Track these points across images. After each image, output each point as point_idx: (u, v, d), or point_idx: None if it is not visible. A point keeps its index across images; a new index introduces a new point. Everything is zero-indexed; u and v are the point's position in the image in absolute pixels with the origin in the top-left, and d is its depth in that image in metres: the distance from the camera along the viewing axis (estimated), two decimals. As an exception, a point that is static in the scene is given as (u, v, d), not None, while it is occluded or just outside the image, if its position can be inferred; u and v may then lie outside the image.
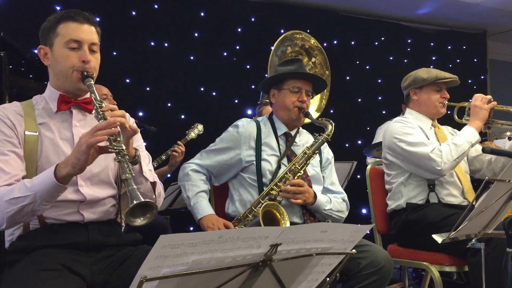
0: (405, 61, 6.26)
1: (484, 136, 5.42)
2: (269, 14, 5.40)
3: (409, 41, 6.35)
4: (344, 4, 5.73)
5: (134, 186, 1.47)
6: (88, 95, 1.83)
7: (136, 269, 1.02)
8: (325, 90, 2.89)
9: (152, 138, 3.69)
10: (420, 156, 2.62)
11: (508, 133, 3.77)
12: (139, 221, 1.45)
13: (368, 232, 1.34)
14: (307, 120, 2.49)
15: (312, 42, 2.99)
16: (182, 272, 1.05)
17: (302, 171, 2.33)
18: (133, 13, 4.72)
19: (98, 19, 1.83)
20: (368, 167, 3.05)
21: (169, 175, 3.56)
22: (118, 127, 1.58)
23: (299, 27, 3.18)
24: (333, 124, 2.40)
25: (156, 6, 4.84)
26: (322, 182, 2.51)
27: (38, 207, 1.55)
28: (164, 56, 4.82)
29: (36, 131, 1.71)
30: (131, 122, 1.90)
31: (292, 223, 2.27)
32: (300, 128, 2.59)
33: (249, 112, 5.04)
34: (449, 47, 6.65)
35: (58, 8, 4.30)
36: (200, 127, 3.57)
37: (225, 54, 5.17)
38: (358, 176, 4.89)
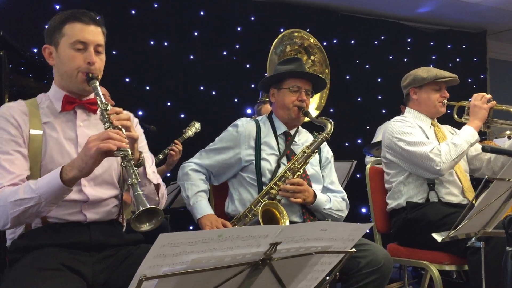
0: (405, 60, 6.26)
1: (484, 135, 5.43)
2: (269, 13, 5.40)
3: (409, 40, 6.35)
4: (344, 4, 5.73)
5: (140, 192, 1.47)
6: (92, 95, 1.82)
7: (136, 268, 1.02)
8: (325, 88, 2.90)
9: (152, 137, 3.67)
10: (419, 155, 2.62)
11: (508, 132, 3.76)
12: (145, 227, 1.45)
13: (367, 231, 1.34)
14: (306, 119, 2.49)
15: (311, 41, 2.99)
16: (182, 271, 1.05)
17: (301, 170, 2.33)
18: (133, 12, 4.72)
19: (97, 18, 1.82)
20: (368, 166, 3.05)
21: (168, 174, 3.55)
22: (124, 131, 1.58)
23: (299, 27, 3.18)
24: (333, 123, 2.40)
25: (155, 5, 4.84)
26: (322, 181, 2.51)
27: (42, 208, 1.55)
28: (164, 56, 4.82)
29: (41, 130, 1.71)
30: (135, 123, 1.91)
31: (291, 222, 2.27)
32: (300, 127, 2.59)
33: (249, 111, 5.04)
34: (449, 47, 6.65)
35: (57, 7, 4.30)
36: (197, 125, 3.56)
37: (225, 53, 5.17)
38: (358, 175, 4.89)
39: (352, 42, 5.98)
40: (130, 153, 1.54)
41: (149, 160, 1.85)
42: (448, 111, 2.93)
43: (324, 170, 2.56)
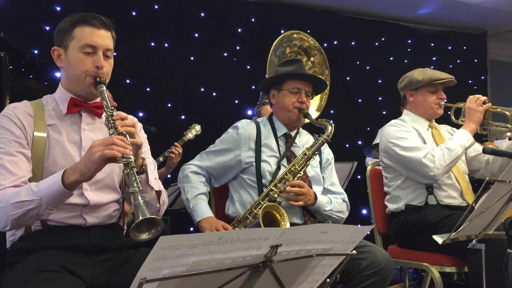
0: (406, 61, 6.26)
1: (484, 136, 5.42)
2: (269, 14, 5.40)
3: (409, 41, 6.35)
4: (344, 5, 5.73)
5: (141, 201, 1.46)
6: (98, 99, 1.82)
7: (136, 271, 1.02)
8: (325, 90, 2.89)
9: (152, 138, 3.68)
10: (413, 161, 2.62)
11: (508, 134, 3.75)
12: (144, 236, 1.44)
13: (368, 232, 1.34)
14: (307, 121, 2.49)
15: (311, 42, 2.99)
16: (182, 274, 1.05)
17: (302, 172, 2.32)
18: (133, 13, 4.72)
19: (108, 22, 1.82)
20: (368, 167, 3.05)
21: (169, 176, 3.55)
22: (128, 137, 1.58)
23: (299, 28, 3.18)
24: (333, 125, 2.39)
25: (156, 7, 4.84)
26: (322, 182, 2.51)
27: (43, 211, 1.55)
28: (164, 57, 4.82)
29: (45, 132, 1.71)
30: (139, 128, 1.91)
31: (292, 224, 2.27)
32: (300, 129, 2.58)
33: (249, 112, 5.04)
34: (449, 48, 6.65)
35: (58, 8, 4.30)
36: (197, 127, 3.55)
37: (225, 54, 5.17)
38: (359, 177, 4.89)
39: (353, 43, 5.98)
40: (133, 160, 1.53)
41: (152, 166, 1.85)
42: (448, 112, 2.92)
43: (325, 171, 2.56)
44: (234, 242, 1.07)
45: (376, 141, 4.67)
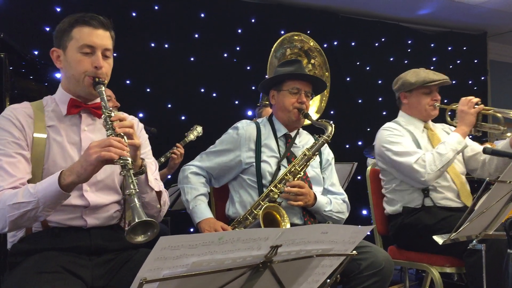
0: (406, 62, 6.26)
1: (484, 137, 5.42)
2: (269, 15, 5.40)
3: (409, 42, 6.36)
4: (344, 5, 5.74)
5: (137, 203, 1.45)
6: (98, 99, 1.82)
7: (136, 272, 1.02)
8: (325, 91, 2.89)
9: (152, 139, 3.68)
10: (405, 166, 2.62)
11: (508, 134, 3.75)
12: (140, 239, 1.44)
13: (368, 233, 1.34)
14: (307, 122, 2.49)
15: (311, 44, 2.99)
16: (182, 274, 1.05)
17: (302, 173, 2.32)
18: (134, 14, 4.73)
19: (107, 22, 1.82)
20: (368, 168, 3.05)
21: (169, 177, 3.55)
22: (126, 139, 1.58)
23: (299, 28, 3.18)
24: (333, 125, 2.39)
25: (156, 7, 4.84)
26: (322, 183, 2.51)
27: (40, 213, 1.55)
28: (165, 57, 4.82)
29: (45, 133, 1.71)
30: (140, 128, 1.90)
31: (292, 224, 2.27)
32: (300, 129, 2.58)
33: (249, 113, 5.04)
34: (449, 48, 6.65)
35: (58, 9, 4.30)
36: (199, 129, 3.56)
37: (225, 55, 5.18)
38: (359, 177, 4.89)
39: (353, 43, 5.98)
40: (130, 162, 1.53)
41: (152, 166, 1.84)
42: (449, 113, 2.91)
43: (325, 172, 2.55)
44: (234, 242, 1.07)
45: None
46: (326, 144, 2.45)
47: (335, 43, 5.80)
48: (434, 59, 6.48)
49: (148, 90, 4.72)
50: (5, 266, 1.69)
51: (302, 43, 3.00)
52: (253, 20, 5.35)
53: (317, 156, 2.48)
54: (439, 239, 1.93)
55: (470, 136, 2.80)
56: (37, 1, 4.23)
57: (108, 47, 1.77)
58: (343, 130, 5.32)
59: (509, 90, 7.37)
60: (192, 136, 3.53)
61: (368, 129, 5.70)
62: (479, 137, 2.90)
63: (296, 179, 2.29)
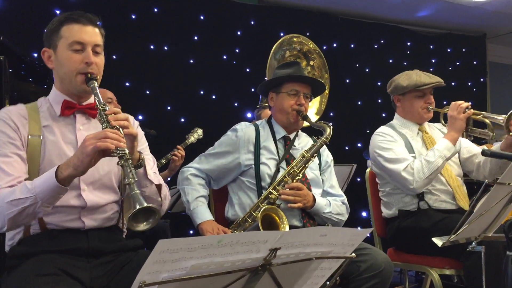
0: (405, 63, 6.26)
1: (483, 138, 5.42)
2: (268, 17, 5.40)
3: (408, 43, 6.36)
4: (344, 7, 5.74)
5: (137, 191, 1.46)
6: (92, 99, 1.83)
7: (135, 274, 1.02)
8: (324, 93, 2.89)
9: (152, 141, 3.68)
10: (394, 173, 2.63)
11: (507, 136, 3.72)
12: (142, 226, 1.44)
13: (368, 235, 1.34)
14: (306, 124, 2.49)
15: (310, 46, 2.99)
16: (181, 277, 1.05)
17: (300, 175, 2.32)
18: (133, 16, 4.73)
19: (97, 23, 1.82)
20: (368, 170, 3.05)
21: (169, 179, 3.56)
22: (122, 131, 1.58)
23: (298, 30, 3.19)
24: (332, 127, 2.39)
25: (155, 10, 4.85)
26: (321, 185, 2.51)
27: (39, 208, 1.54)
28: (164, 59, 4.82)
29: (40, 134, 1.71)
30: (135, 125, 1.90)
31: (291, 226, 2.27)
32: (299, 131, 2.58)
33: (249, 115, 5.04)
34: (448, 50, 6.66)
35: (58, 12, 4.31)
36: (199, 131, 3.57)
37: (224, 57, 5.18)
38: (358, 179, 4.88)
39: (352, 45, 5.99)
40: (127, 152, 1.53)
41: (150, 161, 1.84)
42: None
43: (324, 174, 2.55)
44: (233, 245, 1.07)
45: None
46: (325, 146, 2.45)
47: (335, 45, 5.81)
48: (433, 60, 6.49)
49: (147, 92, 4.72)
50: (3, 269, 1.68)
51: (301, 45, 3.01)
52: (252, 22, 5.36)
53: (316, 158, 2.48)
54: (438, 241, 1.93)
55: (472, 138, 2.78)
56: (36, 4, 4.23)
57: (98, 43, 1.77)
58: (343, 132, 5.33)
59: (508, 92, 7.38)
60: (192, 138, 3.54)
61: (368, 131, 5.70)
62: (479, 139, 2.88)
63: (295, 181, 2.29)
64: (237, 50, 5.24)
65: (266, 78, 2.92)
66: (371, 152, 2.80)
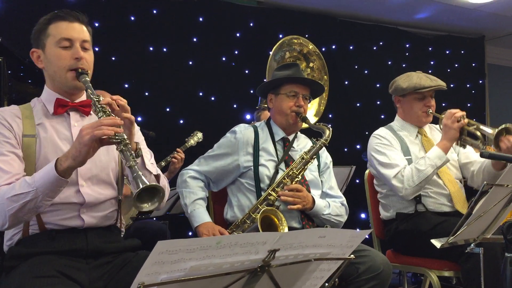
0: (404, 65, 6.27)
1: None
2: (267, 19, 5.41)
3: (407, 45, 6.37)
4: (342, 9, 5.75)
5: (140, 173, 1.47)
6: (84, 95, 1.83)
7: (134, 275, 1.02)
8: (323, 95, 2.90)
9: (151, 143, 3.68)
10: (386, 178, 2.65)
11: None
12: (147, 206, 1.45)
13: (367, 236, 1.34)
14: (305, 125, 2.49)
15: (310, 47, 2.99)
16: (180, 278, 1.05)
17: (299, 176, 2.32)
18: (132, 18, 4.73)
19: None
20: (367, 171, 3.05)
21: (168, 181, 3.56)
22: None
23: (297, 32, 3.19)
24: (331, 129, 2.39)
25: (154, 11, 4.85)
26: (321, 186, 2.51)
27: (40, 202, 1.54)
28: (163, 61, 4.82)
29: (35, 133, 1.72)
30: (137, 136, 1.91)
31: (290, 228, 2.27)
32: (298, 133, 2.58)
33: (248, 117, 5.04)
34: (447, 52, 6.66)
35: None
36: (199, 134, 3.58)
37: (223, 59, 5.18)
38: (357, 181, 4.89)
39: (351, 47, 6.00)
40: (125, 137, 1.54)
41: (148, 154, 1.85)
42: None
43: (323, 175, 2.56)
44: (232, 246, 1.07)
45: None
46: (324, 148, 2.45)
47: (333, 46, 5.81)
48: (432, 62, 6.50)
49: (146, 93, 4.72)
50: (1, 270, 1.68)
51: (301, 46, 3.01)
52: (251, 24, 5.36)
53: (315, 159, 2.48)
54: (437, 243, 1.93)
55: (465, 148, 2.76)
56: (36, 6, 4.23)
57: (86, 38, 1.77)
58: (342, 134, 5.33)
59: (507, 93, 7.39)
60: (192, 141, 3.54)
61: (367, 133, 5.69)
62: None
63: (294, 182, 2.29)
64: (236, 52, 5.25)
65: (265, 79, 2.92)
66: (368, 153, 2.82)
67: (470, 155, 2.78)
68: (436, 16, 6.09)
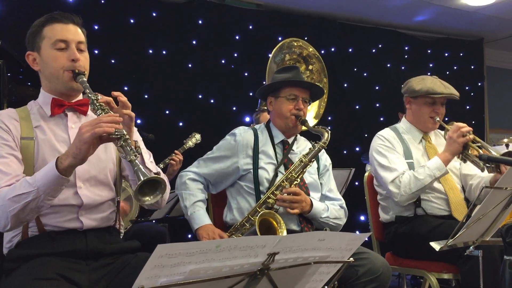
0: (403, 68, 6.28)
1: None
2: (267, 21, 5.42)
3: (406, 48, 6.38)
4: (342, 12, 5.76)
5: (140, 166, 1.47)
6: (81, 96, 1.84)
7: (134, 278, 1.02)
8: (323, 97, 2.90)
9: (150, 145, 3.69)
10: (383, 181, 2.65)
11: (505, 140, 3.73)
12: (149, 200, 1.45)
13: (366, 239, 1.34)
14: (304, 128, 2.49)
15: (310, 50, 3.00)
16: (180, 282, 1.05)
17: (298, 179, 2.32)
18: (131, 20, 4.74)
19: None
20: (366, 174, 3.05)
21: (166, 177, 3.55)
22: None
23: (297, 35, 3.19)
24: (330, 132, 2.40)
25: (154, 14, 4.86)
26: (320, 189, 2.51)
27: (42, 202, 1.54)
28: (162, 64, 4.83)
29: (32, 135, 1.72)
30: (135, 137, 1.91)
31: (289, 231, 2.27)
32: (298, 136, 2.59)
33: (247, 119, 5.05)
34: (446, 54, 6.68)
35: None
36: (197, 136, 3.57)
37: (223, 61, 5.19)
38: (356, 183, 4.90)
39: (350, 50, 6.01)
40: (125, 132, 1.54)
41: (146, 154, 1.85)
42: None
43: (323, 178, 2.56)
44: (231, 250, 1.07)
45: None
46: (323, 150, 2.46)
47: (333, 49, 5.83)
48: (431, 65, 6.51)
49: (146, 96, 4.73)
50: (1, 272, 1.68)
51: (301, 49, 3.01)
52: (250, 27, 5.37)
53: (315, 162, 2.48)
54: (436, 246, 1.93)
55: (466, 162, 2.74)
56: (35, 9, 4.23)
57: (81, 40, 1.78)
58: (341, 136, 5.34)
59: (506, 96, 7.40)
60: (190, 143, 3.54)
61: (366, 135, 5.71)
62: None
63: (293, 185, 2.30)
64: (235, 55, 5.26)
65: (265, 82, 2.93)
66: (370, 153, 2.81)
67: (471, 167, 2.74)
68: (435, 19, 6.11)
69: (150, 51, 4.80)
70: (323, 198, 2.51)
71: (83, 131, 1.52)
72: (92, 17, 4.33)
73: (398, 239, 2.70)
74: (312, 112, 3.05)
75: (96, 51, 4.24)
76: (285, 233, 2.16)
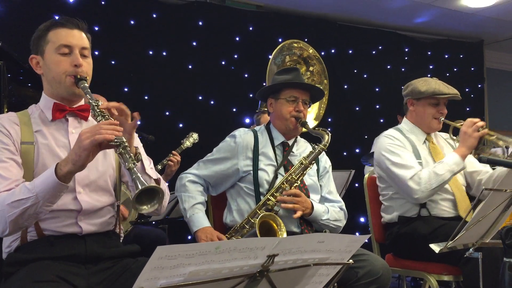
0: (403, 69, 6.29)
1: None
2: (267, 23, 5.43)
3: (406, 50, 6.39)
4: (342, 13, 5.77)
5: (139, 174, 1.46)
6: (82, 101, 1.84)
7: (134, 282, 1.02)
8: (323, 99, 2.90)
9: (150, 146, 3.69)
10: (400, 179, 2.61)
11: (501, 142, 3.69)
12: (147, 208, 1.45)
13: (366, 240, 1.34)
14: (304, 130, 2.49)
15: (310, 51, 3.00)
16: (179, 284, 1.05)
17: (298, 181, 2.32)
18: (132, 22, 4.74)
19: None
20: (366, 176, 3.05)
21: (166, 184, 3.55)
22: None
23: (297, 36, 3.20)
24: (330, 134, 2.40)
25: (154, 15, 4.86)
26: (320, 191, 2.51)
27: (40, 208, 1.54)
28: (163, 65, 4.83)
29: (33, 140, 1.71)
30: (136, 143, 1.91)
31: (289, 232, 2.27)
32: (298, 137, 2.58)
33: (247, 120, 5.05)
34: (446, 56, 6.68)
35: (57, 17, 4.31)
36: (195, 135, 3.57)
37: (223, 63, 5.19)
38: (356, 185, 4.89)
39: (350, 51, 6.01)
40: (124, 140, 1.54)
41: (147, 160, 1.85)
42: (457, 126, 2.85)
43: (322, 179, 2.55)
44: (231, 251, 1.07)
45: (373, 149, 4.68)
46: (323, 152, 2.46)
47: (333, 51, 5.83)
48: (431, 67, 6.51)
49: (146, 97, 4.73)
50: (1, 276, 1.68)
51: (301, 50, 3.01)
52: (250, 28, 5.38)
53: (315, 163, 2.48)
54: (435, 247, 1.93)
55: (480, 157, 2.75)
56: (35, 10, 4.24)
57: (85, 45, 1.78)
58: (341, 138, 5.34)
59: (506, 98, 7.41)
60: (188, 143, 3.53)
61: (366, 137, 5.72)
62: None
63: (293, 187, 2.29)
64: (235, 56, 5.26)
65: (265, 83, 2.93)
66: (377, 153, 2.78)
67: (476, 164, 2.76)
68: (435, 21, 6.11)
69: (150, 52, 4.80)
70: (323, 200, 2.50)
71: (83, 137, 1.52)
72: (92, 18, 4.33)
73: (400, 239, 2.70)
74: (312, 114, 3.05)
75: (96, 52, 4.23)
76: (285, 235, 2.16)
